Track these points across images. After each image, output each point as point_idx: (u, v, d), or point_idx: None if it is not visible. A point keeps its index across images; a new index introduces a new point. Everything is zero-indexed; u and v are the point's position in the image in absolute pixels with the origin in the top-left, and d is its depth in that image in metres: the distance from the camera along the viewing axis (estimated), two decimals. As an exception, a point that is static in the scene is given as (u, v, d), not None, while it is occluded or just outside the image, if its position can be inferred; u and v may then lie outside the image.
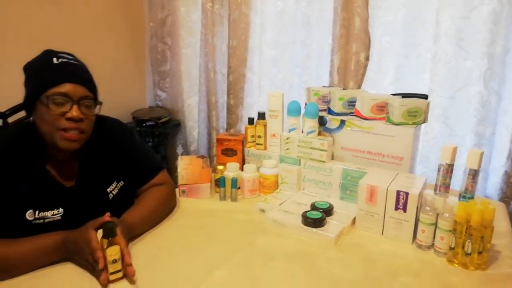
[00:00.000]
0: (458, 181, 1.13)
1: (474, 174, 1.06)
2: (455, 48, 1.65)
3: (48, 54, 1.00)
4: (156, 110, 2.41)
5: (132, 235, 1.03)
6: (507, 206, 1.49)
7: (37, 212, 0.97)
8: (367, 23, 1.80)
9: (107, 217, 0.93)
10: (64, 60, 0.99)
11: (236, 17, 2.09)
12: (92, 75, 1.05)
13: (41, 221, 0.98)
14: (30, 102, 0.98)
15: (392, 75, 1.84)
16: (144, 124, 2.27)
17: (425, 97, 1.36)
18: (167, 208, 1.20)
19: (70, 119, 0.96)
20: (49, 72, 0.97)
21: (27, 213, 0.96)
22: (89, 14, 2.08)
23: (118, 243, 0.86)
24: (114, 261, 0.85)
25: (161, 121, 2.30)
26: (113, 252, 0.85)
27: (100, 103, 1.04)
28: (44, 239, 0.92)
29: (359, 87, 1.86)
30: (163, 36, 2.35)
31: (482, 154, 1.06)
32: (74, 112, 0.96)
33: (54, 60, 0.97)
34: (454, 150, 1.08)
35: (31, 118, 1.00)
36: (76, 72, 1.00)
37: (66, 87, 0.95)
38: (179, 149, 2.51)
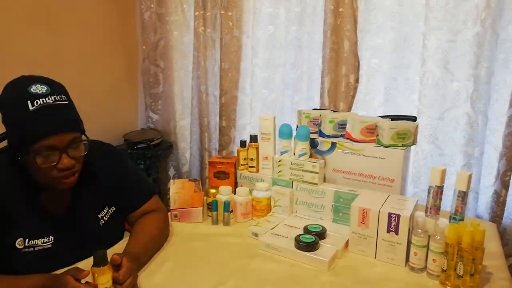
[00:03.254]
0: (449, 201, 1.14)
1: (463, 196, 1.07)
2: (442, 71, 1.69)
3: (21, 93, 0.89)
4: (147, 132, 2.41)
5: (139, 265, 1.01)
6: (498, 226, 1.50)
7: (27, 240, 0.96)
8: (356, 46, 1.84)
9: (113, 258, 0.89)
10: (40, 102, 0.89)
11: (228, 41, 2.12)
12: (75, 105, 0.97)
13: (31, 249, 0.97)
14: (14, 148, 0.94)
15: (381, 96, 1.87)
16: (135, 147, 2.26)
17: (413, 118, 1.38)
18: (166, 235, 1.19)
19: (61, 169, 0.92)
20: (28, 126, 0.88)
21: (17, 241, 0.95)
22: (82, 37, 2.10)
23: (109, 271, 0.85)
24: (106, 290, 0.84)
25: (152, 143, 2.30)
26: (104, 281, 0.83)
27: (87, 139, 0.98)
28: (24, 281, 0.88)
29: (349, 108, 1.89)
30: (156, 59, 2.37)
31: (470, 176, 1.07)
32: (65, 161, 0.91)
33: (29, 105, 0.88)
34: (443, 172, 1.10)
35: (19, 158, 0.94)
36: (57, 118, 0.91)
37: (50, 140, 0.89)
38: (171, 171, 2.51)
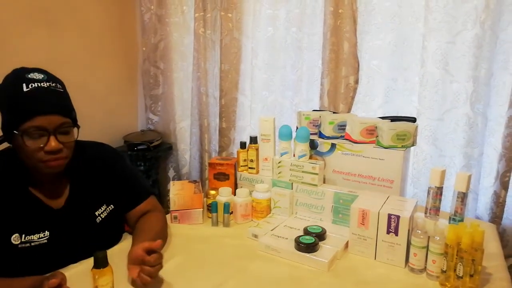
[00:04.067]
0: (449, 202, 1.14)
1: (463, 197, 1.07)
2: (441, 72, 1.69)
3: (18, 78, 0.93)
4: (147, 134, 2.42)
5: None
6: (497, 227, 1.50)
7: (23, 236, 0.97)
8: (355, 47, 1.84)
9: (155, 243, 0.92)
10: (34, 85, 0.92)
11: (227, 42, 2.12)
12: (69, 95, 0.99)
13: (27, 245, 0.97)
14: (6, 131, 0.95)
15: (381, 98, 1.87)
16: (135, 148, 2.26)
17: (413, 120, 1.38)
18: (166, 235, 1.20)
19: (48, 152, 0.93)
20: (20, 104, 0.91)
21: (12, 237, 0.96)
22: (82, 38, 2.10)
23: (109, 273, 0.85)
24: (106, 291, 0.84)
25: (152, 144, 2.30)
26: (104, 282, 0.83)
27: (78, 127, 1.00)
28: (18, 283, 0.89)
29: (349, 110, 1.89)
30: (156, 60, 2.37)
31: (470, 177, 1.07)
32: (53, 143, 0.93)
33: (24, 87, 0.91)
34: (443, 173, 1.10)
35: (11, 145, 0.98)
36: (49, 99, 0.93)
37: (40, 120, 0.91)
38: (171, 173, 2.51)
